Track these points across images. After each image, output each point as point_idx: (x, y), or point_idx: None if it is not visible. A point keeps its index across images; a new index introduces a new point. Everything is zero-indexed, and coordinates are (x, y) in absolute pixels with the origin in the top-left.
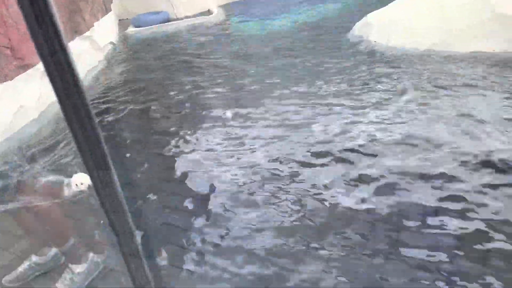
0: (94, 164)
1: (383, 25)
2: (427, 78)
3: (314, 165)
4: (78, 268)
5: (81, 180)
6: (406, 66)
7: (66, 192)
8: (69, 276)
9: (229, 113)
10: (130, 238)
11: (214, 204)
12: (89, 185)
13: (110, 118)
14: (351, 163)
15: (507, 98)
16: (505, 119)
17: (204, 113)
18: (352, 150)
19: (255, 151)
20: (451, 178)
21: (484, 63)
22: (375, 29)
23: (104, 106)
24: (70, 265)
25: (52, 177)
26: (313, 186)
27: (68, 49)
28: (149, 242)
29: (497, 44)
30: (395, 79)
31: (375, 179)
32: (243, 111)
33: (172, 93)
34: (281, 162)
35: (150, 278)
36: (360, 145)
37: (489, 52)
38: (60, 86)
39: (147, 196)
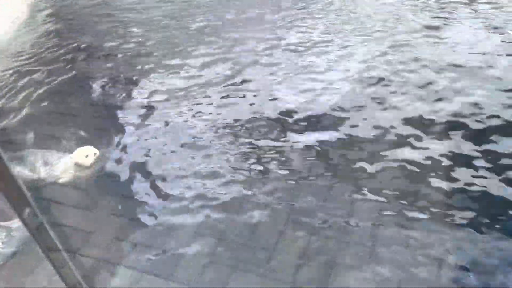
0: None
1: None
2: None
3: None
4: (14, 224)
5: (86, 153)
6: None
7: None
8: (4, 234)
9: None
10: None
11: None
12: (95, 157)
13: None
14: None
15: None
16: None
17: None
18: None
19: None
20: None
21: None
22: None
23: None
24: (1, 223)
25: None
26: None
27: None
28: None
29: None
30: None
31: None
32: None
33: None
34: None
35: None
36: None
37: None
38: None
39: None
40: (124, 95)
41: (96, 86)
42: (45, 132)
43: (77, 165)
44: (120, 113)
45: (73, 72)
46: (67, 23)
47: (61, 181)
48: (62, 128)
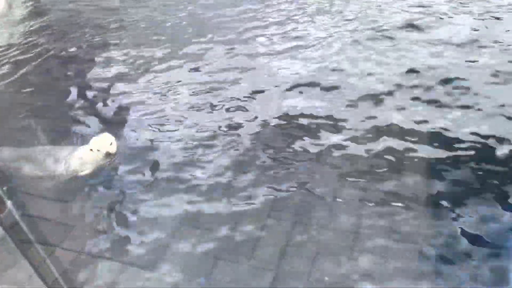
0: None
1: None
2: None
3: None
4: None
5: (109, 141)
6: None
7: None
8: None
9: None
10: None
11: None
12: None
13: None
14: None
15: None
16: None
17: None
18: None
19: None
20: None
21: None
22: None
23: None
24: None
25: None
26: None
27: None
28: None
29: None
30: None
31: None
32: None
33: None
34: None
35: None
36: None
37: None
38: None
39: None
40: (115, 86)
41: (84, 79)
42: (46, 128)
43: (107, 154)
44: (111, 102)
45: (61, 66)
46: (49, 17)
47: (84, 173)
48: (60, 123)
